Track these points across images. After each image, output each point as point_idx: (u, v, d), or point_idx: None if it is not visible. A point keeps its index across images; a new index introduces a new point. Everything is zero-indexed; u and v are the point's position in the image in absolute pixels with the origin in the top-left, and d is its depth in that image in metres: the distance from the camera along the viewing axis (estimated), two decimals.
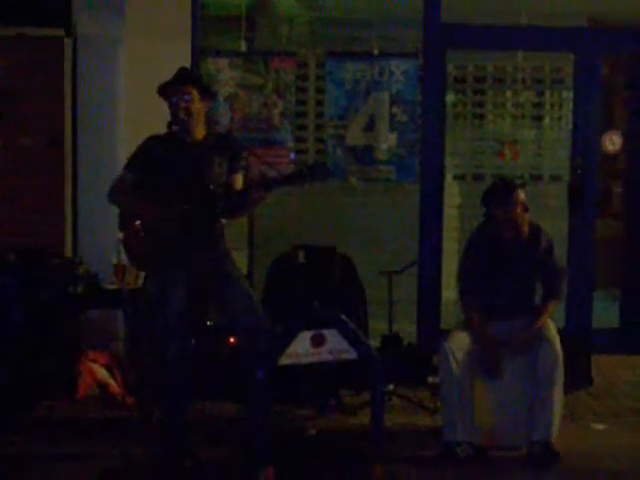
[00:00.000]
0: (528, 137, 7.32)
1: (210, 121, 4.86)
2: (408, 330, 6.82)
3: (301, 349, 4.35)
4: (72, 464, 4.82)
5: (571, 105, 7.18)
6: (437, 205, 7.10)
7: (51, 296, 5.86)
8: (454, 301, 6.20)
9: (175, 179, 4.64)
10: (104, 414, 5.62)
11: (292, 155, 6.95)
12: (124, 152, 4.84)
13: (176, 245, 4.66)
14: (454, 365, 4.95)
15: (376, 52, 6.94)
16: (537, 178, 7.25)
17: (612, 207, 8.27)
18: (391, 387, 5.83)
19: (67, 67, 6.54)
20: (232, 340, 5.71)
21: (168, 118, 4.72)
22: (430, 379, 6.01)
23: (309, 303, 4.87)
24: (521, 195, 5.12)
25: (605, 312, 7.55)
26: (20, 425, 5.32)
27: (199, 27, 6.79)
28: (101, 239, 6.24)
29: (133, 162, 4.76)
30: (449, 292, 6.94)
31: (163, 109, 4.73)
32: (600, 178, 7.47)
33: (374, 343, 5.53)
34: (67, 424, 5.43)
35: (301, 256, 6.16)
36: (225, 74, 6.89)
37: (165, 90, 4.71)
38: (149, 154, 4.71)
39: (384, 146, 7.00)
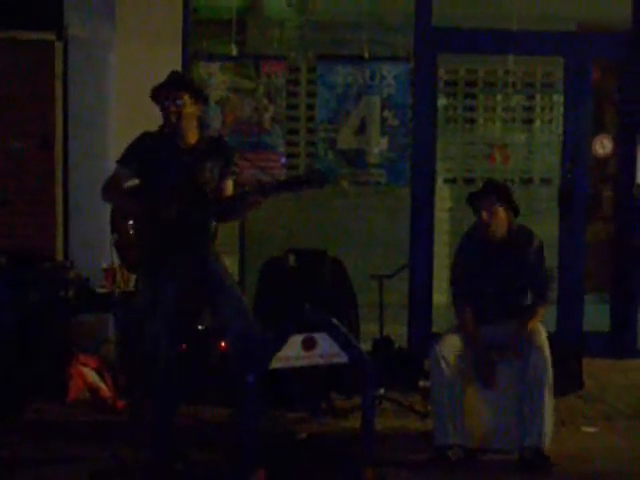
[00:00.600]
0: (519, 141, 7.35)
1: (202, 125, 4.86)
2: (399, 334, 6.83)
3: (292, 353, 4.36)
4: (62, 467, 4.80)
5: (562, 109, 7.21)
6: (428, 209, 7.12)
7: (42, 299, 5.85)
8: (445, 304, 6.22)
9: (167, 182, 4.63)
10: (94, 417, 5.61)
11: (283, 159, 6.95)
12: (115, 155, 4.82)
13: (167, 248, 4.66)
14: (445, 369, 4.95)
15: (367, 56, 6.94)
16: (527, 182, 7.27)
17: (602, 211, 8.26)
18: (382, 391, 5.83)
19: (58, 70, 6.55)
20: (223, 344, 5.71)
21: (160, 122, 4.70)
22: (421, 383, 6.01)
23: (300, 307, 4.85)
24: (506, 197, 5.12)
25: (596, 315, 7.56)
26: (10, 428, 5.29)
27: (190, 31, 6.80)
28: (92, 243, 6.23)
29: (128, 156, 4.73)
30: (440, 295, 6.95)
31: (155, 113, 4.72)
32: (590, 182, 7.48)
33: (365, 347, 5.52)
34: (57, 427, 5.42)
35: (292, 260, 6.16)
36: (216, 78, 6.88)
37: (157, 94, 4.69)
38: (143, 149, 4.69)
39: (375, 150, 7.00)
